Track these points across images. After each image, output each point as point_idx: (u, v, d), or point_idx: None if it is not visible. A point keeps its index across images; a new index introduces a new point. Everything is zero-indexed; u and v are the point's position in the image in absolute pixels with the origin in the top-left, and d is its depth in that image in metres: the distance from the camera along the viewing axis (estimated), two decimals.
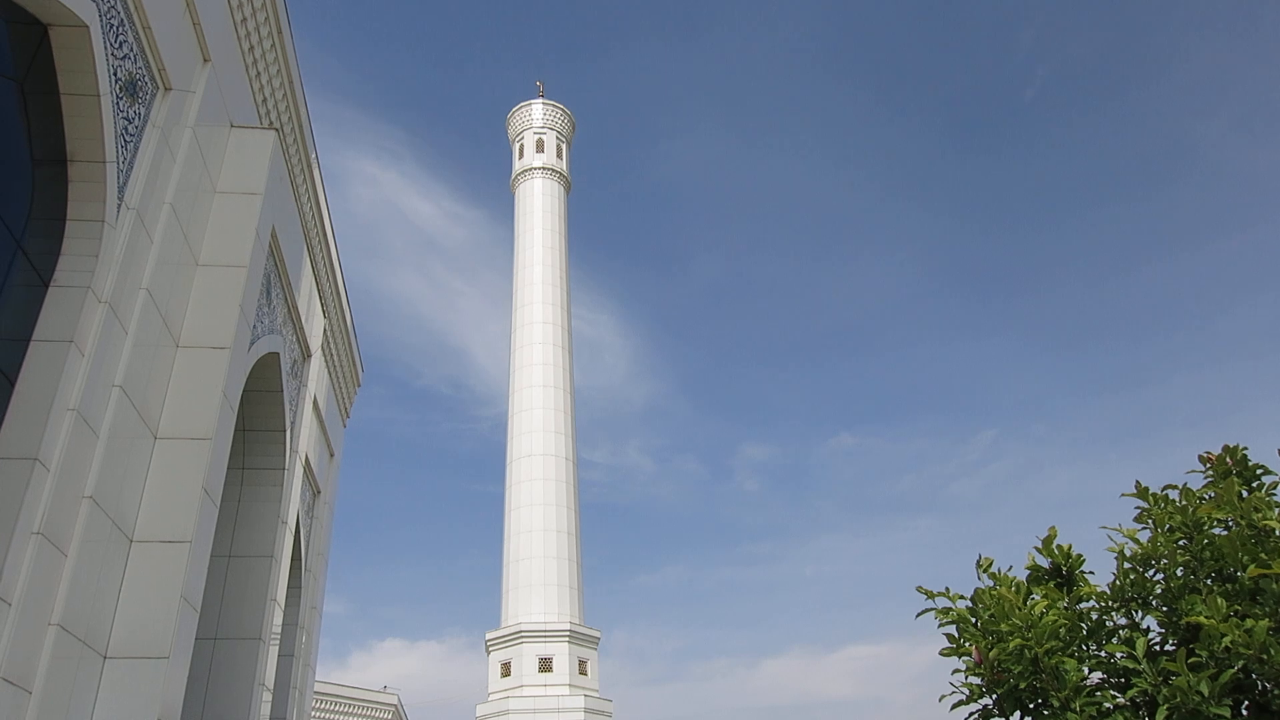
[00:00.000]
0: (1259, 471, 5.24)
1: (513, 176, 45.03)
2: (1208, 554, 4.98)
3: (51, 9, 6.89)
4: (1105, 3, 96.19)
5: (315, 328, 14.79)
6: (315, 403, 15.51)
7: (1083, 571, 5.72)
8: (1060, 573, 5.74)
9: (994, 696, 5.36)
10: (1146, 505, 5.40)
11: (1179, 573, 5.12)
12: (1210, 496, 5.24)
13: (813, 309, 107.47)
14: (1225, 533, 5.01)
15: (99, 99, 7.44)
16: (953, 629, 5.66)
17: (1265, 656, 4.35)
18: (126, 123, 8.04)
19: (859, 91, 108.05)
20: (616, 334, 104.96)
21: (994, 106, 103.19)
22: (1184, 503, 5.23)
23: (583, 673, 32.66)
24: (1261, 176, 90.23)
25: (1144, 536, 5.36)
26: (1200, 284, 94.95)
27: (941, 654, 5.60)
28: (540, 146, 44.70)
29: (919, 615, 5.71)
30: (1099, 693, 5.10)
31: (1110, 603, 5.37)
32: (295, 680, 15.08)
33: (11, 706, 6.19)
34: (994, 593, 5.50)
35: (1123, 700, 5.01)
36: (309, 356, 14.57)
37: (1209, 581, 5.01)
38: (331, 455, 17.99)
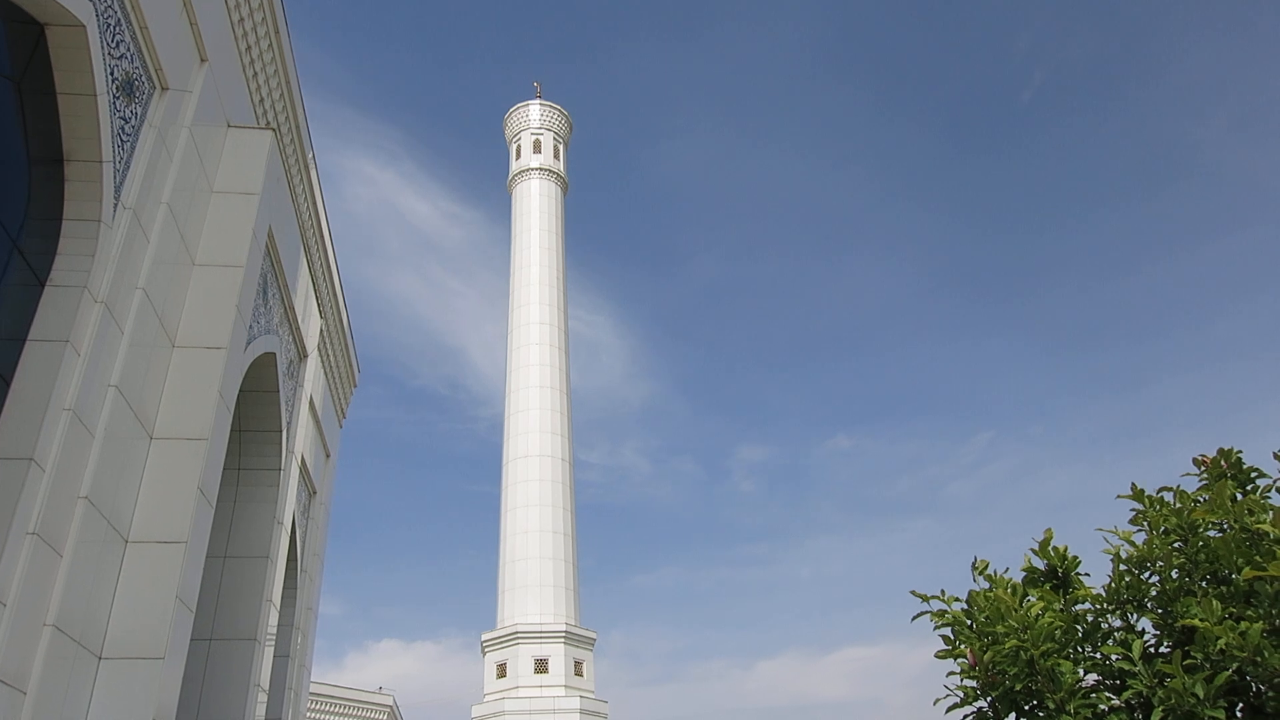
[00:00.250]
0: (1253, 474, 5.25)
1: (510, 177, 45.02)
2: (1202, 557, 4.99)
3: (48, 8, 6.88)
4: (1103, 5, 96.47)
5: (311, 328, 14.77)
6: (311, 403, 15.49)
7: (1079, 573, 5.73)
8: (1056, 575, 5.75)
9: (989, 699, 5.37)
10: (1142, 508, 5.41)
11: (1174, 575, 5.14)
12: (1205, 499, 5.26)
13: (810, 310, 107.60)
14: (1220, 535, 5.03)
15: (96, 98, 7.43)
16: (948, 631, 5.67)
17: (1260, 659, 4.37)
18: (123, 122, 8.03)
19: (857, 92, 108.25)
20: (614, 334, 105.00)
21: (992, 108, 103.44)
22: (1179, 505, 5.24)
23: (578, 674, 32.64)
24: (1258, 178, 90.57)
25: (1139, 539, 5.38)
26: (1197, 285, 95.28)
27: (937, 656, 5.61)
28: (537, 147, 44.69)
29: (914, 618, 5.72)
30: (1094, 695, 5.11)
31: (1106, 605, 5.39)
32: (290, 681, 15.05)
33: (7, 707, 6.17)
34: (989, 595, 5.52)
35: (1118, 702, 5.03)
36: (305, 357, 14.56)
37: (1204, 584, 5.03)
38: (327, 455, 17.96)
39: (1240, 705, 4.78)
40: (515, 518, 35.46)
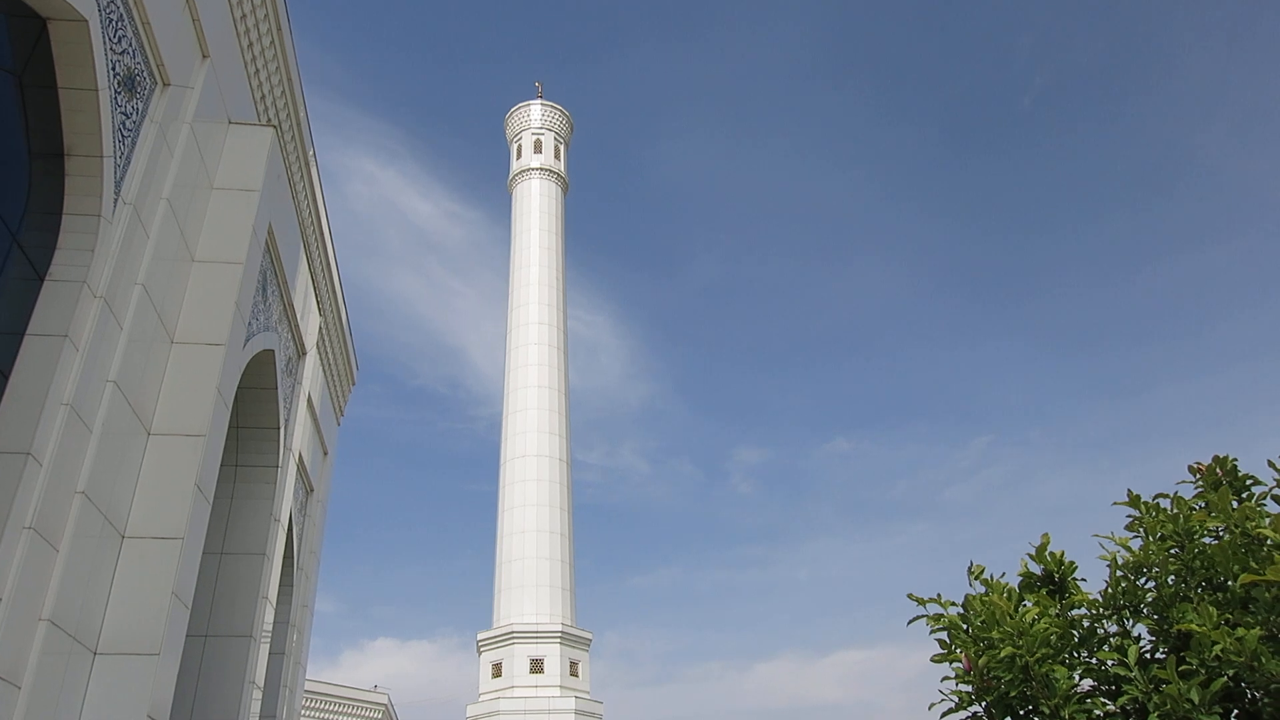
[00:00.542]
0: (1248, 482, 5.26)
1: (510, 177, 45.03)
2: (1199, 563, 5.00)
3: (51, 3, 6.88)
4: (1103, 9, 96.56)
5: (310, 325, 14.77)
6: (309, 401, 15.49)
7: (1075, 579, 5.74)
8: (1052, 580, 5.76)
9: (984, 704, 5.37)
10: (1138, 514, 5.42)
11: (1170, 581, 5.14)
12: (1201, 506, 5.26)
13: (809, 312, 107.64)
14: (1215, 542, 5.03)
15: (97, 94, 7.43)
16: (944, 635, 5.67)
17: (1256, 664, 4.37)
18: (124, 118, 8.03)
19: (858, 94, 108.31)
20: (613, 335, 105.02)
21: (992, 111, 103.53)
22: (1176, 511, 5.25)
23: (574, 674, 32.62)
24: (1257, 183, 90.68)
25: (1136, 545, 5.38)
26: (1196, 290, 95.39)
27: (932, 660, 5.61)
28: (538, 147, 44.70)
29: (910, 622, 5.72)
30: (1090, 700, 5.11)
31: (1102, 610, 5.39)
32: (286, 678, 15.04)
33: (1, 702, 6.16)
34: (985, 600, 5.52)
35: (1113, 708, 5.03)
36: (304, 354, 14.55)
37: (1200, 590, 5.03)
38: (325, 453, 17.95)
39: (1236, 712, 4.79)
40: (512, 517, 35.44)
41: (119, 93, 7.89)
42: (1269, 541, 4.68)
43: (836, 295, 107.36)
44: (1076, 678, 5.20)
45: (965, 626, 5.60)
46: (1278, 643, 4.46)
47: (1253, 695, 4.69)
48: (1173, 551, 5.16)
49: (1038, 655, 5.04)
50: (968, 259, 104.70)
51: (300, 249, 13.61)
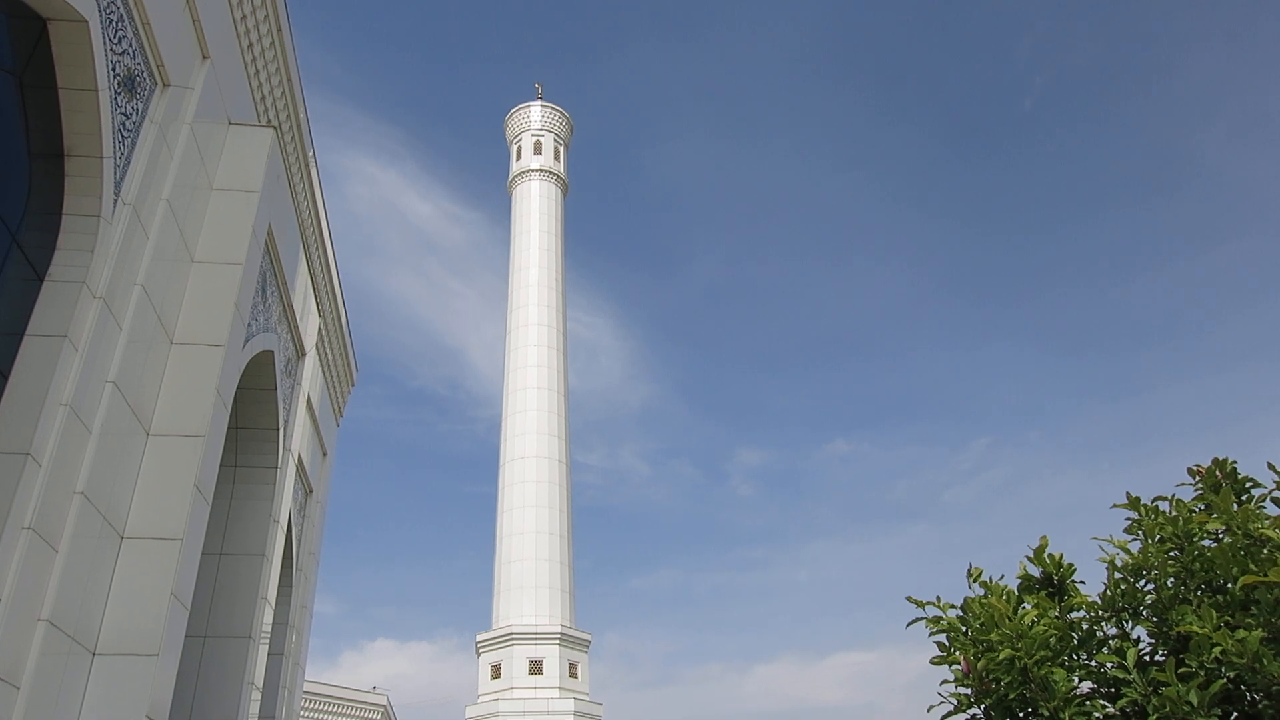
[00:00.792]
0: (1248, 484, 5.26)
1: (510, 178, 45.04)
2: (1198, 565, 5.00)
3: (51, 3, 6.88)
4: (1104, 11, 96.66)
5: (310, 326, 14.76)
6: (309, 401, 15.48)
7: (1074, 581, 5.74)
8: (1051, 582, 5.76)
9: (982, 706, 5.37)
10: (1137, 516, 5.41)
11: (1169, 583, 5.14)
12: (1201, 508, 5.26)
13: (810, 313, 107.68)
14: (1215, 544, 5.03)
15: (97, 94, 7.43)
16: (943, 638, 5.67)
17: (1258, 666, 4.37)
18: (124, 118, 8.03)
19: (857, 96, 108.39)
20: (613, 337, 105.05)
21: (993, 112, 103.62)
22: (1175, 514, 5.25)
23: (573, 675, 32.60)
24: (1257, 185, 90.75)
25: (1135, 547, 5.38)
26: (1196, 293, 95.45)
27: (931, 663, 5.61)
28: (538, 149, 44.71)
29: (909, 625, 5.72)
30: (1089, 703, 5.11)
31: (1101, 612, 5.39)
32: (285, 679, 15.02)
33: (0, 702, 6.16)
34: (984, 602, 5.52)
35: (1112, 710, 5.03)
36: (303, 355, 14.55)
37: (1199, 593, 5.03)
38: (324, 454, 17.94)
39: (1235, 715, 4.79)
40: (512, 519, 35.43)
41: (119, 93, 7.89)
42: (1273, 540, 4.68)
43: (836, 296, 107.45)
44: (1076, 680, 5.20)
45: (965, 629, 5.60)
46: (1279, 645, 4.46)
47: (1252, 698, 4.69)
48: (1172, 554, 5.16)
49: (1037, 657, 5.04)
50: (968, 260, 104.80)
51: (300, 250, 13.61)
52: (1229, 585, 4.86)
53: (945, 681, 5.52)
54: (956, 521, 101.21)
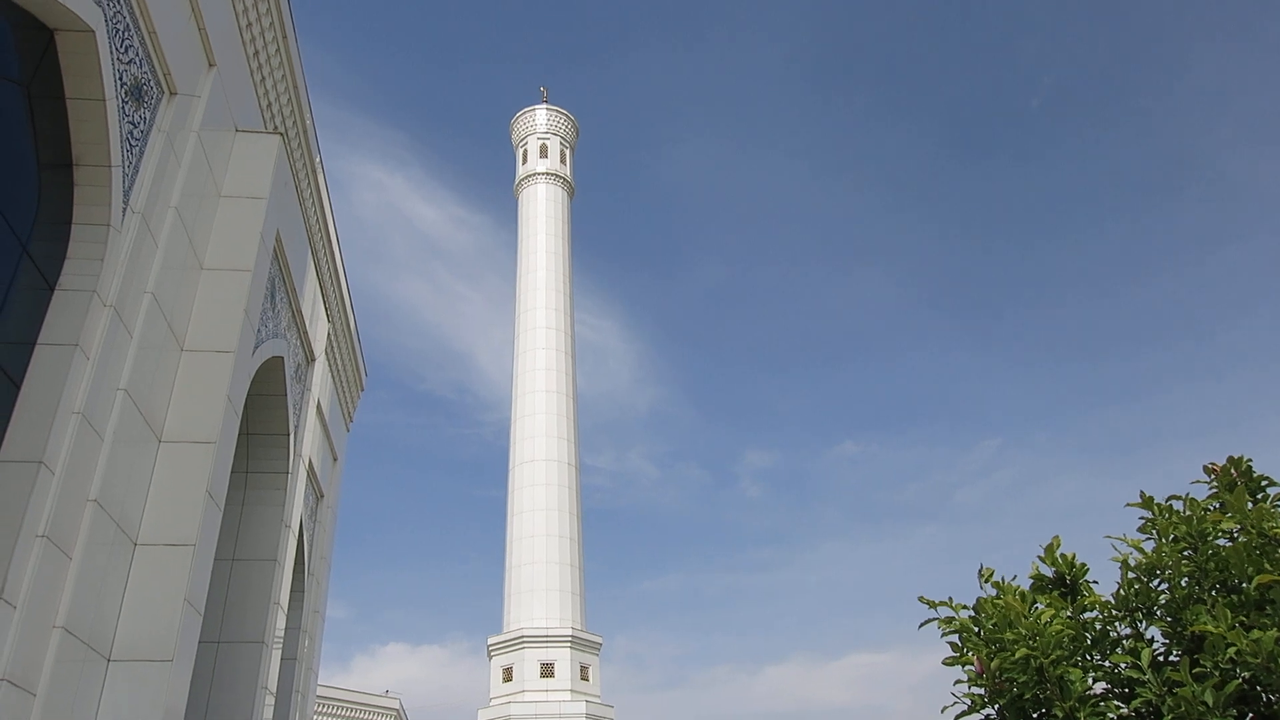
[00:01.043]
0: (1264, 483, 5.22)
1: (516, 182, 45.10)
2: (1212, 565, 4.96)
3: (58, 14, 6.92)
4: (1109, 13, 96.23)
5: (319, 332, 14.81)
6: (319, 407, 15.53)
7: (1087, 581, 5.70)
8: (1064, 582, 5.72)
9: (996, 707, 5.34)
10: (1151, 515, 5.38)
11: (1184, 583, 5.10)
12: (1216, 507, 5.22)
13: (818, 315, 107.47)
14: (1229, 544, 4.99)
15: (105, 103, 7.47)
16: (956, 638, 5.64)
17: (1273, 666, 4.33)
18: (132, 127, 8.07)
19: (864, 97, 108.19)
20: (621, 339, 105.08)
21: (999, 115, 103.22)
22: (1189, 513, 5.21)
23: (584, 678, 32.60)
24: (1266, 185, 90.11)
25: (1149, 546, 5.34)
26: (1206, 294, 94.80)
27: (944, 663, 5.58)
28: (544, 152, 44.77)
29: (922, 625, 5.69)
30: (1103, 703, 5.07)
31: (1114, 612, 5.35)
32: (298, 684, 15.07)
33: (16, 709, 6.19)
34: (997, 602, 5.49)
35: (1126, 711, 4.99)
36: (313, 361, 14.60)
37: (1213, 593, 4.99)
38: (335, 459, 18.00)
39: (1250, 715, 4.75)
40: (521, 522, 35.47)
41: (126, 102, 7.94)
42: None
43: (844, 298, 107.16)
44: (1090, 680, 5.16)
45: (977, 629, 5.57)
46: None
47: (1268, 698, 4.65)
48: (1186, 553, 5.12)
49: (1053, 657, 5.00)
50: (976, 261, 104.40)
51: (308, 256, 13.66)
52: (1244, 585, 4.82)
53: (959, 681, 5.50)
54: (966, 523, 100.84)
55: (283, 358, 12.42)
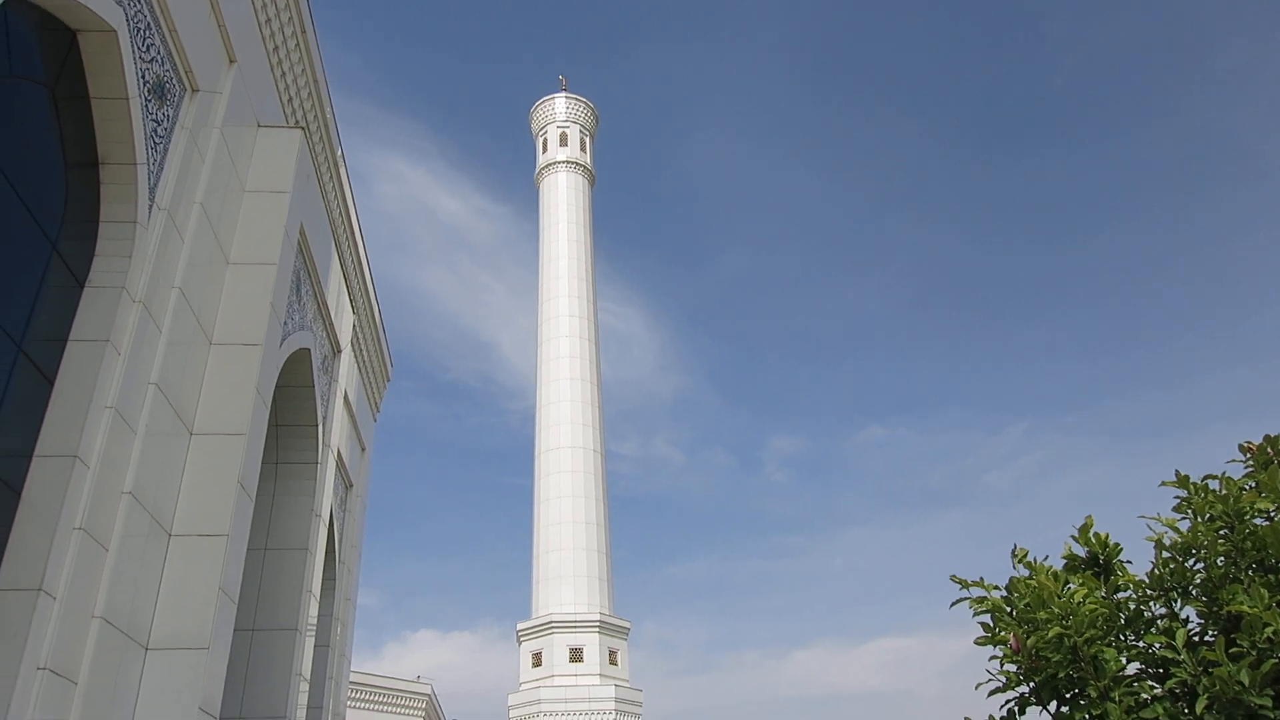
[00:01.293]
0: None
1: (537, 171, 45.09)
2: (1249, 544, 4.87)
3: (80, 14, 6.99)
4: (1112, 12, 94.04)
5: (344, 323, 14.93)
6: (346, 397, 15.68)
7: (1120, 561, 5.62)
8: (1097, 562, 5.65)
9: (1031, 685, 5.29)
10: (1186, 494, 5.28)
11: (1219, 562, 5.01)
12: (1251, 486, 5.12)
13: (843, 302, 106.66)
14: (1267, 523, 4.89)
15: (128, 102, 7.55)
16: (988, 618, 5.59)
17: None
18: (155, 125, 8.15)
19: (885, 90, 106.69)
20: (644, 327, 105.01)
21: (1032, 102, 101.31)
22: (1225, 492, 5.11)
23: (613, 663, 32.82)
24: None
25: (1184, 526, 5.25)
26: (1236, 278, 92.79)
27: (977, 643, 5.54)
28: (564, 140, 44.69)
29: (954, 604, 5.64)
30: (1137, 683, 5.01)
31: (1149, 592, 5.28)
32: (331, 670, 15.31)
33: (58, 697, 6.34)
34: (1030, 582, 5.43)
35: (1160, 691, 4.93)
36: (339, 352, 14.73)
37: (1250, 572, 4.90)
38: (363, 449, 18.19)
39: None
40: (548, 509, 35.68)
41: (149, 100, 8.01)
42: None
43: (869, 286, 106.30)
44: (1125, 660, 5.10)
45: (1010, 609, 5.51)
46: None
47: None
48: (1222, 533, 5.03)
49: (1086, 635, 4.95)
50: (1004, 246, 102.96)
51: (332, 248, 13.76)
52: None
53: (994, 658, 5.45)
54: (994, 507, 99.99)
55: (309, 349, 12.54)
